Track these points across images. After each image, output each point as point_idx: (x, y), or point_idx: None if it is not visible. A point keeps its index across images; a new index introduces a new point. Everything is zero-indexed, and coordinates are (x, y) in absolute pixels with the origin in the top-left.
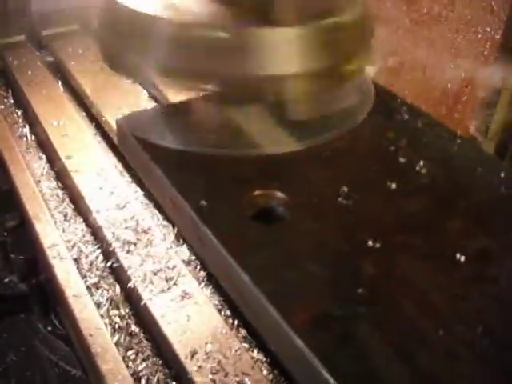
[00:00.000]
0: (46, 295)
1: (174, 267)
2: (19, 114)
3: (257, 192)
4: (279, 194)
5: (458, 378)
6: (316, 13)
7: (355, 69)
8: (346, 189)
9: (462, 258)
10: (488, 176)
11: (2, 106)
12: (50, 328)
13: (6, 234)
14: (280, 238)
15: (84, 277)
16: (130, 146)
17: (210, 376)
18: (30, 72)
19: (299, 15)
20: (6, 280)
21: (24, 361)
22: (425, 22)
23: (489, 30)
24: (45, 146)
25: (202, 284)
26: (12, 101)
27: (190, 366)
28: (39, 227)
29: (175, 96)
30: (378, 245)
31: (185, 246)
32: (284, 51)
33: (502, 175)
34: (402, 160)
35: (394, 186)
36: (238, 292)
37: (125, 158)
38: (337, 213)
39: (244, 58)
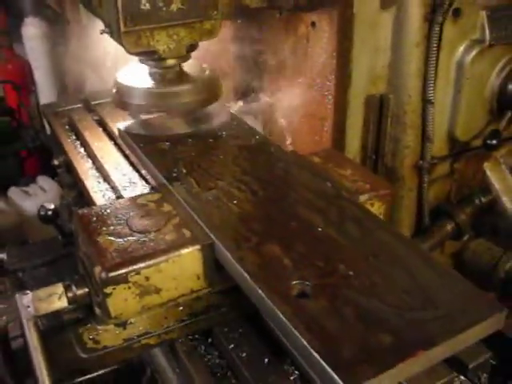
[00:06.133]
0: None
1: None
2: (78, 143)
3: (161, 144)
4: (170, 146)
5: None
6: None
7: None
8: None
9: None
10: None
11: (69, 140)
12: None
13: (70, 199)
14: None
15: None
16: (123, 136)
17: None
18: (85, 123)
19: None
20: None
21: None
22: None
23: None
24: (92, 157)
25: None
26: (74, 137)
27: None
28: (87, 183)
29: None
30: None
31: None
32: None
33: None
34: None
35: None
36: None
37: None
38: (191, 157)
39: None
